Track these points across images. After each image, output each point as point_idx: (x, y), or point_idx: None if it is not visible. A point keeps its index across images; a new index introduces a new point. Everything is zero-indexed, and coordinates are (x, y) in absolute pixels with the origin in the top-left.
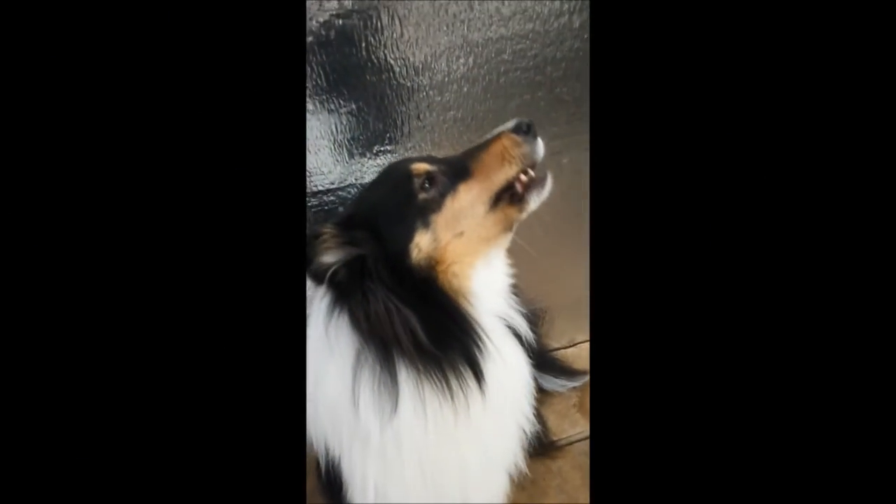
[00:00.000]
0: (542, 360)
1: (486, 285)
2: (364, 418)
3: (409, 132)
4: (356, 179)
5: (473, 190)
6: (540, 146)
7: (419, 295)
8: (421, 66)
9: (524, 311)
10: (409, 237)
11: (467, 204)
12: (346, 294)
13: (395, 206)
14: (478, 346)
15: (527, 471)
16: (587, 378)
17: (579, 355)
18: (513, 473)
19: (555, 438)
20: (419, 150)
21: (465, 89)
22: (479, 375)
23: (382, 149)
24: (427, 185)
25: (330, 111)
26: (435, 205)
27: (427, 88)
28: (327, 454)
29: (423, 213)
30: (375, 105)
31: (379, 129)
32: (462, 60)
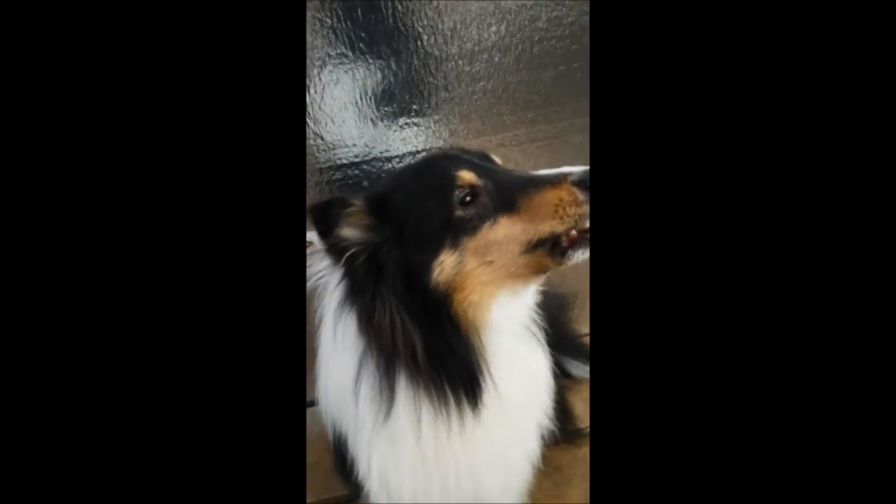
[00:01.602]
0: (572, 345)
1: (507, 318)
2: (362, 412)
3: (437, 104)
4: (381, 153)
5: (515, 228)
6: None
7: (429, 318)
8: (450, 34)
9: (553, 293)
10: (434, 253)
11: (504, 239)
12: (358, 290)
13: (429, 212)
14: (478, 384)
15: (545, 464)
16: None
17: None
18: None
19: (581, 426)
20: (447, 124)
21: (497, 59)
22: (474, 406)
23: (409, 121)
24: (468, 200)
25: (354, 81)
26: (470, 227)
27: (456, 58)
28: (335, 431)
29: (455, 231)
30: (402, 75)
31: (405, 101)
32: (493, 28)
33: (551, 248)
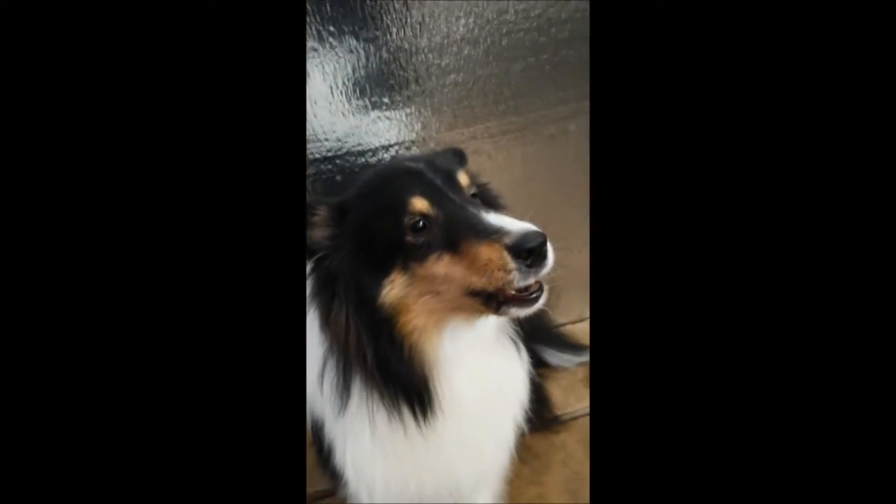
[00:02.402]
0: (549, 335)
1: (466, 334)
2: (326, 404)
3: (409, 97)
4: (354, 147)
5: (455, 270)
6: (540, 273)
7: (378, 332)
8: (419, 27)
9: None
10: (385, 272)
11: (445, 277)
12: (321, 289)
13: (381, 232)
14: (424, 401)
15: (524, 451)
16: None
17: (587, 331)
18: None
19: (559, 413)
20: (419, 117)
21: (466, 51)
22: (424, 416)
23: (381, 115)
24: (419, 227)
25: (324, 75)
26: (420, 254)
27: (426, 50)
28: (312, 418)
29: (405, 255)
30: (372, 68)
31: (377, 94)
32: (462, 21)
33: (485, 300)
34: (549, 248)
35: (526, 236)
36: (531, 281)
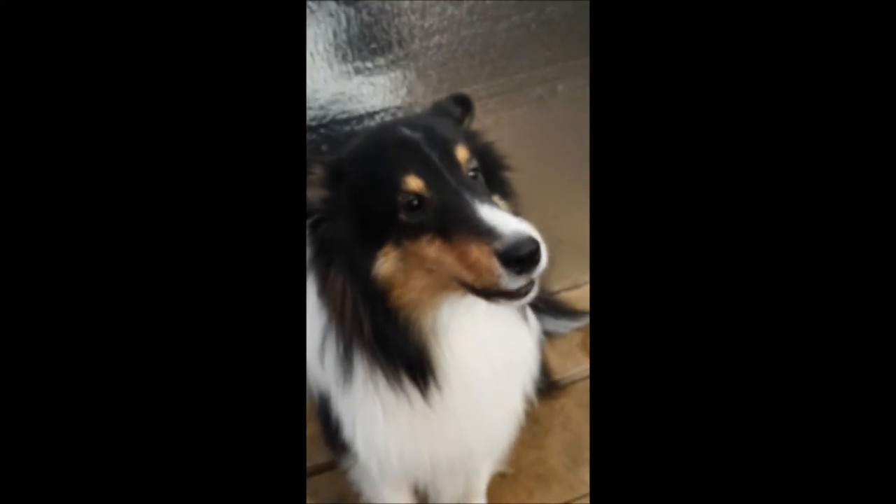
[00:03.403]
0: (545, 302)
1: (462, 321)
2: (328, 378)
3: (393, 61)
4: (338, 114)
5: (446, 257)
6: (532, 276)
7: (374, 302)
8: None
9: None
10: (379, 244)
11: (436, 260)
12: (318, 255)
13: (376, 205)
14: (424, 373)
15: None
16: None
17: (582, 297)
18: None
19: (557, 378)
20: (404, 81)
21: (449, 11)
22: (426, 388)
23: (364, 81)
24: (413, 206)
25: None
26: (413, 233)
27: (408, 12)
28: (317, 390)
29: (398, 231)
30: (354, 32)
31: (359, 59)
32: None
33: (473, 290)
34: (543, 252)
35: (518, 244)
36: (522, 283)
